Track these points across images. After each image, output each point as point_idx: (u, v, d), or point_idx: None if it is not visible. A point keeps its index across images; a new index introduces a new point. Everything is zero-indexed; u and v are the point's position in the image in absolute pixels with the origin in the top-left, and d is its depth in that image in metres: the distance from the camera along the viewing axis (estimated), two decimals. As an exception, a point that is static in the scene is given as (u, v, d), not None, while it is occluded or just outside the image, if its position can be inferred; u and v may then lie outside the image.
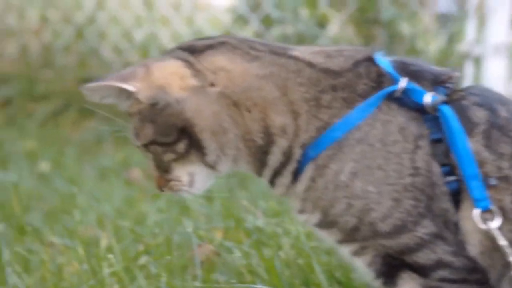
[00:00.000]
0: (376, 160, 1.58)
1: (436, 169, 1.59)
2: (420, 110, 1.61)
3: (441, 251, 1.58)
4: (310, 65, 1.63)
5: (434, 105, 1.60)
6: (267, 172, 1.66)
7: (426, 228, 1.57)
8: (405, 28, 4.44)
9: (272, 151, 1.63)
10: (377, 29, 4.48)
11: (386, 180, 1.57)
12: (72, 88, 5.12)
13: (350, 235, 1.60)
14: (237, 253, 2.24)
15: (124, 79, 1.60)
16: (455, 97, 1.63)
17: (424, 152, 1.59)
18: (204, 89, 1.60)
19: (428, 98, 1.60)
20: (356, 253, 1.63)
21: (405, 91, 1.61)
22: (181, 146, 1.61)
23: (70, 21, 5.41)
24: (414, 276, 1.60)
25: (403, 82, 1.61)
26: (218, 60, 1.61)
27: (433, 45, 4.49)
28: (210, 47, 1.63)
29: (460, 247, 1.58)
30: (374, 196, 1.57)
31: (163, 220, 2.73)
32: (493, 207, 1.55)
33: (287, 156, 1.63)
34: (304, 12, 4.63)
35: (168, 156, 1.63)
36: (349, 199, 1.58)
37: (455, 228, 1.59)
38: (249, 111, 1.61)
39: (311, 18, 4.61)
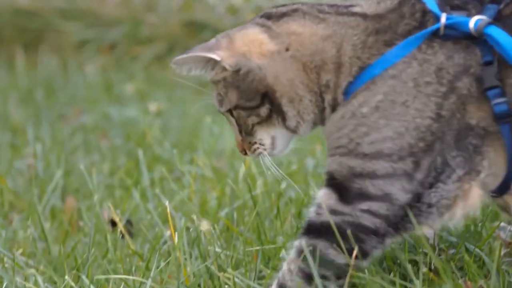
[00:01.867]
0: (403, 97, 1.63)
1: (461, 118, 1.62)
2: (471, 36, 1.63)
3: (399, 187, 1.61)
4: (364, 16, 1.71)
5: (479, 29, 1.61)
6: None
7: (406, 165, 1.61)
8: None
9: (325, 107, 1.72)
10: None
11: (403, 116, 1.62)
12: (176, 32, 5.24)
13: (335, 150, 1.67)
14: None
15: (209, 49, 1.70)
16: (508, 11, 1.63)
17: (456, 99, 1.61)
18: (281, 55, 1.70)
19: (471, 24, 1.62)
20: (329, 163, 1.68)
21: (448, 26, 1.63)
22: (264, 110, 1.71)
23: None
24: (334, 196, 1.64)
25: (442, 19, 1.63)
26: (291, 25, 1.70)
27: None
28: (285, 14, 1.72)
29: (419, 192, 1.62)
30: (380, 126, 1.63)
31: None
32: None
33: (334, 105, 1.72)
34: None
35: (252, 120, 1.73)
36: (356, 125, 1.65)
37: (451, 171, 1.62)
38: (312, 74, 1.70)
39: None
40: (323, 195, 1.66)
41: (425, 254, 1.80)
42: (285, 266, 1.67)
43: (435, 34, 1.64)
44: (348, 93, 1.68)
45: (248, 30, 1.72)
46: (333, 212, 1.62)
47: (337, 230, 1.59)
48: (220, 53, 1.69)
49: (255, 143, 1.75)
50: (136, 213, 2.53)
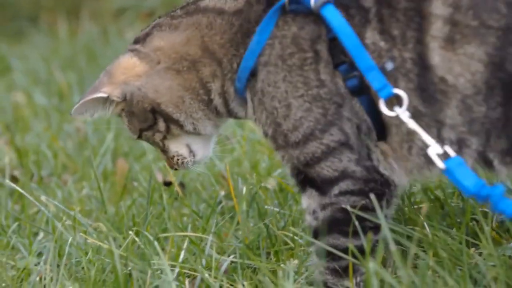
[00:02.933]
0: (280, 76, 1.64)
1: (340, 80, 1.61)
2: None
3: (346, 159, 1.61)
4: (220, 12, 1.72)
5: (316, 7, 1.61)
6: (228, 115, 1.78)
7: (333, 135, 1.61)
8: None
9: (213, 98, 1.74)
10: None
11: (294, 93, 1.63)
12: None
13: (272, 144, 1.69)
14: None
15: (95, 90, 1.77)
16: None
17: (326, 60, 1.61)
18: (154, 70, 1.74)
19: (312, 1, 1.61)
20: (282, 162, 1.70)
21: (293, 1, 1.63)
22: (161, 125, 1.77)
23: None
24: (313, 193, 1.65)
25: None
26: (154, 42, 1.75)
27: None
28: (147, 33, 1.77)
29: (362, 156, 1.62)
30: (282, 110, 1.64)
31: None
32: (397, 90, 1.55)
33: (223, 96, 1.74)
34: None
35: (158, 137, 1.79)
36: (266, 112, 1.67)
37: (368, 130, 1.61)
38: (187, 74, 1.73)
39: None
40: (309, 198, 1.67)
41: (485, 214, 1.81)
42: (316, 272, 1.67)
43: (285, 12, 1.65)
44: (237, 87, 1.71)
45: (120, 60, 1.78)
46: (323, 207, 1.64)
47: (334, 220, 1.62)
48: (105, 89, 1.76)
49: (173, 156, 1.81)
50: (186, 175, 2.56)
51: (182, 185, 2.47)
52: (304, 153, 1.63)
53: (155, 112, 1.75)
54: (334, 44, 1.60)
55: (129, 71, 1.76)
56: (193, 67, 1.73)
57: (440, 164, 1.50)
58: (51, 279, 1.77)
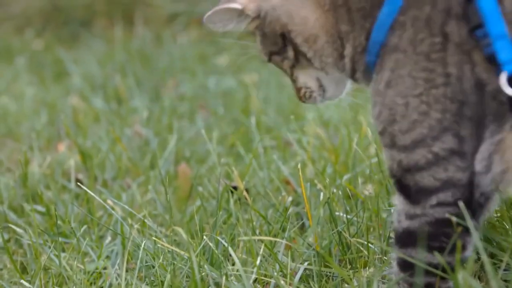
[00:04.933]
0: (407, 67, 1.50)
1: (467, 71, 1.47)
2: None
3: (454, 169, 1.48)
4: None
5: None
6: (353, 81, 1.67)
7: (444, 143, 1.48)
8: None
9: (345, 56, 1.63)
10: None
11: (415, 90, 1.49)
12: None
13: (380, 138, 1.57)
14: None
15: (230, 0, 1.64)
16: None
17: (454, 46, 1.47)
18: None
19: None
20: (384, 156, 1.58)
21: None
22: (290, 53, 1.65)
23: None
24: (402, 200, 1.53)
25: None
26: None
27: None
28: None
29: (472, 161, 1.48)
30: (400, 108, 1.51)
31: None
32: None
33: (352, 62, 1.62)
34: None
35: (286, 64, 1.68)
36: (381, 106, 1.54)
37: (488, 131, 1.47)
38: (327, 14, 1.61)
39: None
40: (397, 201, 1.55)
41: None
42: (393, 278, 1.57)
43: None
44: (368, 59, 1.58)
45: None
46: (409, 217, 1.51)
47: (419, 233, 1.48)
48: (241, 1, 1.64)
49: (301, 88, 1.70)
50: (250, 180, 2.53)
51: (246, 190, 2.45)
52: (409, 158, 1.50)
53: (285, 38, 1.63)
54: (469, 7, 1.45)
55: None
56: (334, 11, 1.59)
57: None
58: (126, 282, 1.75)
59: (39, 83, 4.33)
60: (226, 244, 1.79)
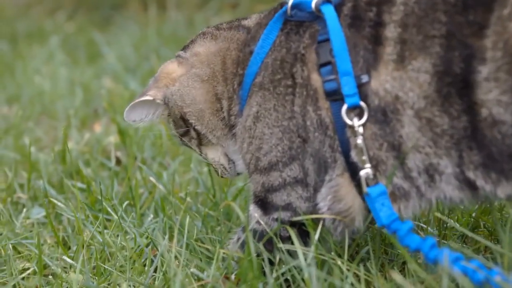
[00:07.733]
0: (272, 102, 1.60)
1: (312, 113, 1.56)
2: (316, 16, 1.60)
3: (295, 196, 1.60)
4: (248, 29, 1.71)
5: (316, 7, 1.58)
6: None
7: (292, 171, 1.60)
8: None
9: (223, 115, 1.74)
10: None
11: (277, 121, 1.60)
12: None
13: (247, 169, 1.67)
14: None
15: (143, 94, 1.79)
16: None
17: (300, 93, 1.57)
18: (187, 75, 1.75)
19: (313, 3, 1.59)
20: (251, 183, 1.67)
21: (296, 6, 1.61)
22: (193, 133, 1.77)
23: None
24: (256, 209, 1.66)
25: (289, 1, 1.62)
26: (195, 48, 1.76)
27: None
28: (193, 40, 1.79)
29: (315, 195, 1.59)
30: (267, 136, 1.61)
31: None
32: (362, 104, 1.50)
33: (229, 111, 1.72)
34: None
35: (193, 143, 1.80)
36: (250, 138, 1.64)
37: (332, 166, 1.56)
38: (208, 84, 1.72)
39: None
40: (251, 208, 1.68)
41: None
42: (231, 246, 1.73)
43: (289, 24, 1.62)
44: (243, 98, 1.68)
45: (165, 65, 1.81)
46: (257, 222, 1.66)
47: (259, 237, 1.65)
48: (150, 93, 1.78)
49: (214, 164, 1.81)
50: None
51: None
52: (266, 180, 1.62)
53: (185, 120, 1.75)
54: (321, 46, 1.55)
55: (169, 76, 1.78)
56: (212, 79, 1.72)
57: (364, 188, 1.49)
58: (176, 258, 1.72)
59: (72, 64, 4.32)
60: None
